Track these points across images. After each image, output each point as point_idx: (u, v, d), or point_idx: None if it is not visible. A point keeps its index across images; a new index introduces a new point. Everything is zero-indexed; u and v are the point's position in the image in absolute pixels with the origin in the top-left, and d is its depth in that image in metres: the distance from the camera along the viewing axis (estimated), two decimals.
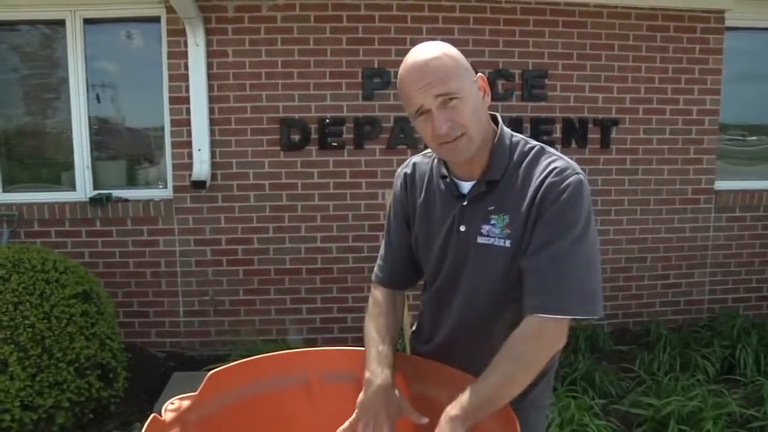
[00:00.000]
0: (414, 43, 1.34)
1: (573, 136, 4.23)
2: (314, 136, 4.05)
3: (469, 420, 1.15)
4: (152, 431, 1.16)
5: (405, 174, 1.53)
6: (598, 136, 4.26)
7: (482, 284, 1.35)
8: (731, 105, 4.45)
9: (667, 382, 3.34)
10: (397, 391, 1.32)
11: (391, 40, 4.00)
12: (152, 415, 1.18)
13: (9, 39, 4.10)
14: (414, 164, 1.52)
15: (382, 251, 1.58)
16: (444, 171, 1.41)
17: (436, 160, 1.46)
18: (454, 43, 1.31)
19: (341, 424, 1.31)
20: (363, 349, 1.41)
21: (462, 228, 1.36)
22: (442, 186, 1.41)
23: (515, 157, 1.34)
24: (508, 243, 1.30)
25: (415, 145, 4.03)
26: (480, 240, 1.33)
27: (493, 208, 1.33)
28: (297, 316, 4.20)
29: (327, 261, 4.17)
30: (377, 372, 1.32)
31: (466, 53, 1.32)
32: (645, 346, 4.01)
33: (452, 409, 1.16)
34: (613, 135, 4.28)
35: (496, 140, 1.36)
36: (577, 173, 1.28)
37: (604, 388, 3.41)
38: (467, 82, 1.27)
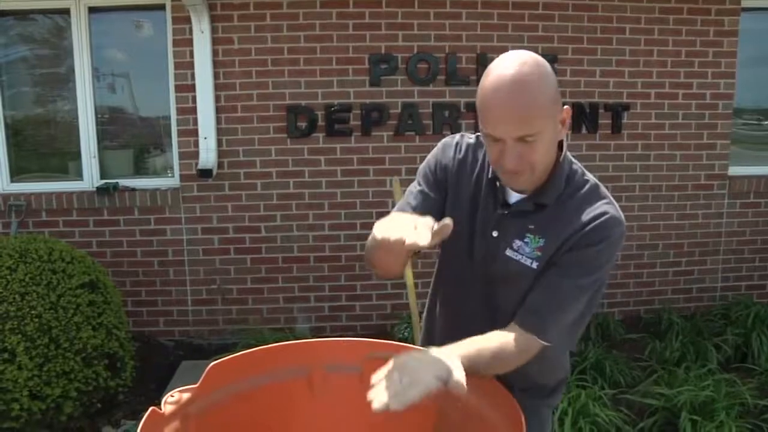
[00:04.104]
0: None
1: (584, 121, 4.16)
2: (321, 123, 4.01)
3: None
4: (151, 424, 1.14)
5: (459, 146, 1.42)
6: (609, 121, 4.19)
7: (498, 295, 1.35)
8: (746, 89, 4.36)
9: (679, 371, 3.30)
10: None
11: (398, 25, 3.92)
12: (150, 408, 1.15)
13: (17, 29, 4.09)
14: (469, 146, 1.42)
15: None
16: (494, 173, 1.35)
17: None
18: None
19: (343, 417, 1.29)
20: (366, 340, 1.41)
21: (494, 234, 1.34)
22: (489, 188, 1.37)
23: (570, 186, 1.31)
24: (535, 264, 1.29)
25: (423, 132, 3.99)
26: (508, 253, 1.32)
27: (533, 227, 1.30)
28: (305, 304, 4.19)
29: (335, 249, 4.14)
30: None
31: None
32: (656, 334, 3.96)
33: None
34: (625, 120, 4.20)
35: (556, 166, 1.31)
36: (622, 224, 1.29)
37: (614, 377, 3.37)
38: (550, 120, 1.20)
